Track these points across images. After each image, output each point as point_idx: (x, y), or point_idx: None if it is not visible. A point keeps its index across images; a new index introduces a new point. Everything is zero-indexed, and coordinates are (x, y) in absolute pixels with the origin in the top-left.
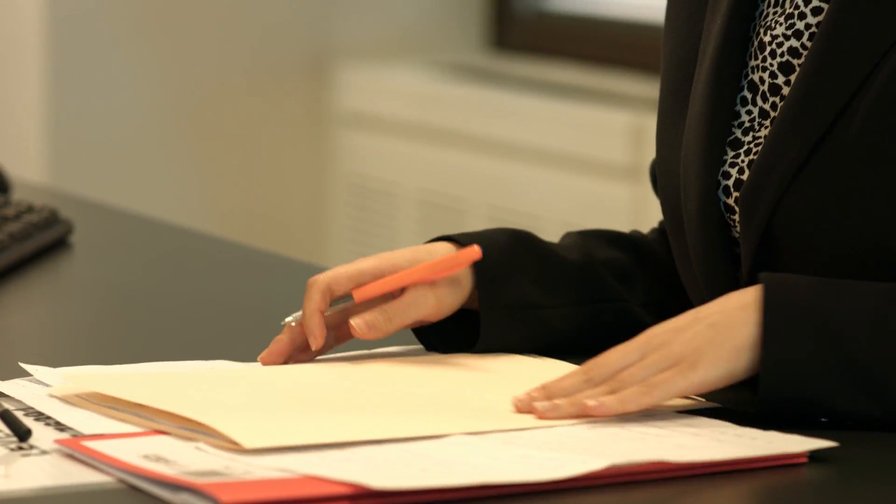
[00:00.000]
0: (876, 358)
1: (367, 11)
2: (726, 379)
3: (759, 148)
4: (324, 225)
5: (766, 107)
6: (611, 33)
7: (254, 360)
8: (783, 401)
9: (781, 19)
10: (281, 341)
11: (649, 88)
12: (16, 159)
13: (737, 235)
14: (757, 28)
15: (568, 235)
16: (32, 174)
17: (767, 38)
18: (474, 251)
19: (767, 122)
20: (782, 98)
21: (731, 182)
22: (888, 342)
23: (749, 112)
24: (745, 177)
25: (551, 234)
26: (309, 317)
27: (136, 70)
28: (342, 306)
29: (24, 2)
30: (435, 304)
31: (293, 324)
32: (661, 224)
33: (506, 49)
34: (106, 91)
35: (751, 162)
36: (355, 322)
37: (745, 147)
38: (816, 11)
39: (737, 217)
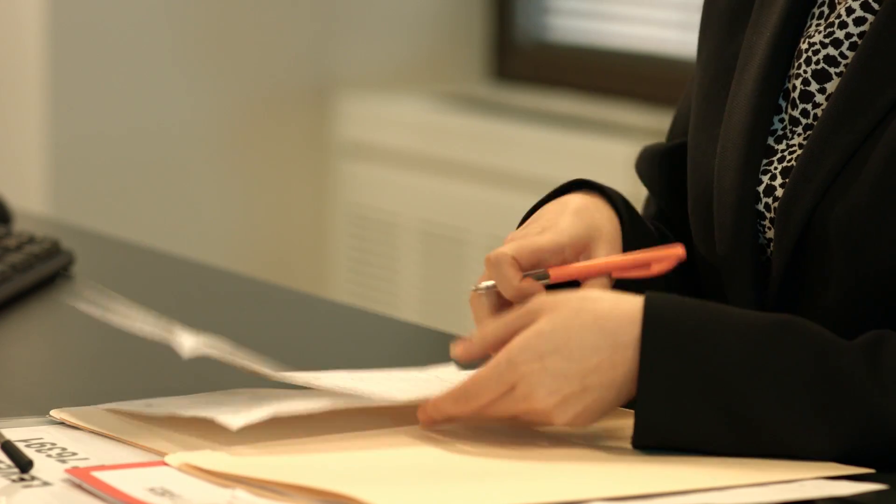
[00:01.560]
0: (752, 403)
1: (368, 41)
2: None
3: (793, 156)
4: (324, 255)
5: (796, 114)
6: (611, 64)
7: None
8: (657, 445)
9: (822, 28)
10: (482, 309)
11: (650, 119)
12: (17, 190)
13: (763, 242)
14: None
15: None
16: (34, 205)
17: (805, 46)
18: (678, 251)
19: (799, 129)
20: (814, 105)
21: (761, 188)
22: (763, 385)
23: (781, 120)
24: (776, 183)
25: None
26: (514, 294)
27: (137, 101)
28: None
29: (25, 32)
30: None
31: (484, 292)
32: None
33: (506, 79)
34: (107, 121)
35: (784, 169)
36: None
37: (779, 155)
38: (859, 21)
39: (766, 223)
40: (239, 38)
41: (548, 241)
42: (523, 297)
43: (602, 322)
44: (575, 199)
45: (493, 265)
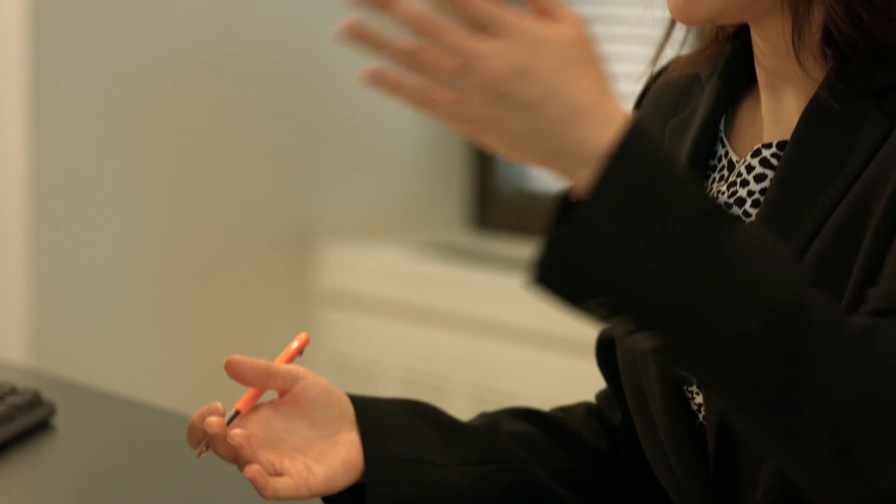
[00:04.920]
0: (692, 242)
1: (350, 190)
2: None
3: None
4: None
5: None
6: None
7: None
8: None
9: (724, 188)
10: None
11: None
12: None
13: (695, 408)
14: None
15: (481, 414)
16: (14, 355)
17: None
18: (300, 336)
19: None
20: None
21: None
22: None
23: None
24: None
25: None
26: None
27: (118, 250)
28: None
29: (6, 186)
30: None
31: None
32: (598, 397)
33: (487, 228)
34: (89, 271)
35: None
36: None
37: None
38: (760, 178)
39: (693, 388)
40: (222, 183)
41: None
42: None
43: (579, 102)
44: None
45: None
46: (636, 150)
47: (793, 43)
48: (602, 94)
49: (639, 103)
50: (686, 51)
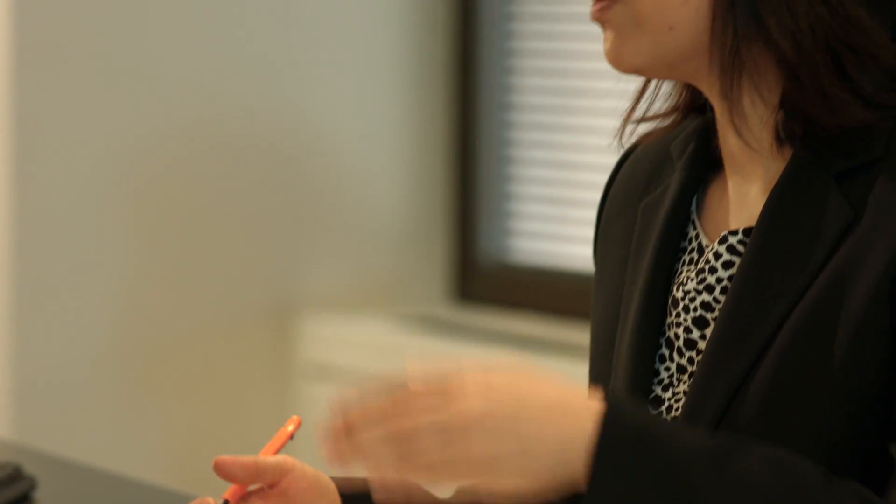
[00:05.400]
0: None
1: (331, 263)
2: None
3: (679, 403)
4: None
5: (683, 362)
6: (573, 286)
7: None
8: None
9: (693, 275)
10: None
11: None
12: None
13: None
14: (671, 287)
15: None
16: None
17: (680, 294)
18: (293, 419)
19: (685, 377)
20: (699, 352)
21: None
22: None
23: (668, 369)
24: None
25: None
26: None
27: (99, 323)
28: None
29: None
30: None
31: None
32: None
33: (469, 301)
34: (70, 344)
35: (673, 418)
36: None
37: (667, 404)
38: (727, 265)
39: None
40: (202, 258)
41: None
42: None
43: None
44: None
45: None
46: (619, 435)
47: (732, 123)
48: (567, 393)
49: (610, 184)
50: (656, 109)
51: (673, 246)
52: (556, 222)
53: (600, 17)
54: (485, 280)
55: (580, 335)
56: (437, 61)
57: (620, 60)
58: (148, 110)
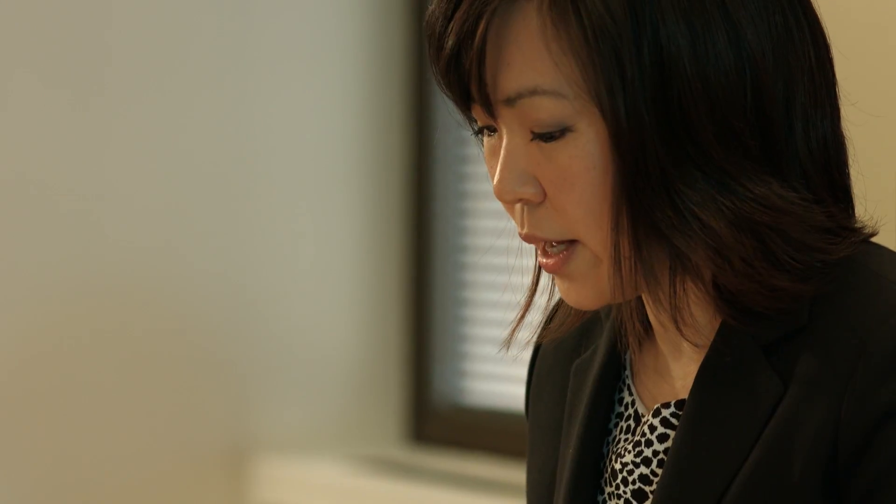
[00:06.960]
0: None
1: (284, 404)
2: None
3: None
4: None
5: None
6: None
7: None
8: None
9: (630, 447)
10: None
11: None
12: None
13: None
14: (609, 454)
15: None
16: None
17: (618, 466)
18: None
19: None
20: None
21: None
22: None
23: None
24: None
25: None
26: None
27: (37, 469)
28: None
29: None
30: None
31: None
32: None
33: (424, 442)
34: (6, 498)
35: None
36: None
37: None
38: (662, 438)
39: None
40: (153, 402)
41: None
42: None
43: None
44: None
45: None
46: None
47: (674, 319)
48: None
49: (529, 380)
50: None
51: (604, 410)
52: (511, 364)
53: (560, 272)
54: (439, 422)
55: None
56: (393, 203)
57: (582, 304)
58: (97, 248)
